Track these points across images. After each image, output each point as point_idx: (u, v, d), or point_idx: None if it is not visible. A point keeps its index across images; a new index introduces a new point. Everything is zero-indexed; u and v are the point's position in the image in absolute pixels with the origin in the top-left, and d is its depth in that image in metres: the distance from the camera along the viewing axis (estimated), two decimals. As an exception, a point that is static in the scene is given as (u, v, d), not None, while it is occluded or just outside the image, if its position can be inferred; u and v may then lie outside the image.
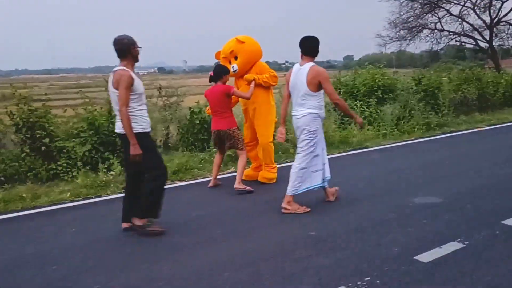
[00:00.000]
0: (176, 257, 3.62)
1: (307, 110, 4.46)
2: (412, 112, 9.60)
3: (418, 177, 5.79)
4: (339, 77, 10.36)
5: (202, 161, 6.88)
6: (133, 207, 4.16)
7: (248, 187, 5.43)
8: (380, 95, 9.70)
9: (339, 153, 7.66)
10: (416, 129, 9.15)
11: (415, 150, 7.74)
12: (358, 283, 2.99)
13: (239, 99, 5.77)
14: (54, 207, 5.21)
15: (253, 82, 5.50)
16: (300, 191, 4.58)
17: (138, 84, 3.97)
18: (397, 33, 21.29)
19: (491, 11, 19.61)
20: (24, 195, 5.48)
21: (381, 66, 10.55)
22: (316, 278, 3.10)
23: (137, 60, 4.07)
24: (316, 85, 4.41)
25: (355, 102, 9.37)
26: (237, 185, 5.40)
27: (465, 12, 20.06)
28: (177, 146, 7.78)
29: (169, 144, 8.08)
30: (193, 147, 7.50)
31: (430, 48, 22.10)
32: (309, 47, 4.53)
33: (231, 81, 5.73)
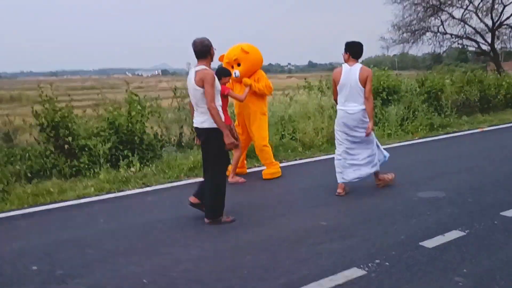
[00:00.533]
0: (201, 242, 3.97)
1: (361, 107, 5.06)
2: (416, 113, 9.93)
3: (422, 173, 6.12)
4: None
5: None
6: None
7: (241, 179, 6.02)
8: (385, 97, 10.03)
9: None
10: (419, 129, 9.47)
11: (418, 149, 8.07)
12: (369, 264, 3.33)
13: (234, 102, 6.15)
14: (80, 201, 5.54)
15: (248, 87, 5.87)
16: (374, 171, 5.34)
17: (217, 83, 4.38)
18: (400, 36, 21.63)
19: (493, 14, 19.93)
20: (51, 189, 5.83)
21: (385, 69, 10.88)
22: (330, 261, 3.44)
23: (212, 60, 4.51)
24: (364, 83, 5.00)
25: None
26: (231, 179, 5.87)
27: (467, 15, 20.39)
28: (191, 145, 8.13)
29: (182, 143, 8.43)
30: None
31: (432, 51, 22.40)
32: (357, 51, 5.17)
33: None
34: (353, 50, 5.15)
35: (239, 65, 5.98)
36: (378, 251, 3.57)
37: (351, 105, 5.07)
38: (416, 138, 9.04)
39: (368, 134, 5.14)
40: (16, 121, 8.07)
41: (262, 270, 3.34)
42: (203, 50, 4.30)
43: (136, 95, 7.39)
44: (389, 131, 9.21)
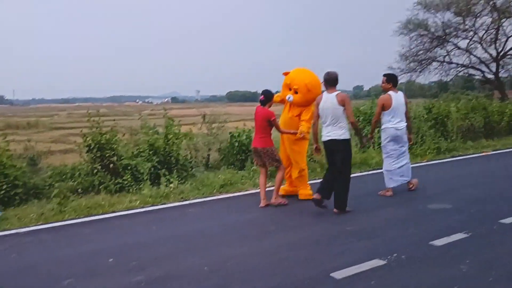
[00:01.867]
0: (246, 243, 4.72)
1: (405, 124, 6.62)
2: (424, 137, 10.69)
3: (431, 190, 6.85)
4: (358, 106, 11.53)
5: (243, 178, 7.98)
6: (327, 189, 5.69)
7: (283, 200, 6.26)
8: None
9: (360, 172, 8.73)
10: (428, 152, 10.21)
11: (427, 170, 8.79)
12: (389, 257, 4.05)
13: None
14: (129, 212, 6.32)
15: (294, 132, 6.25)
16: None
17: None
18: (408, 65, 22.57)
19: (497, 45, 20.86)
20: (102, 202, 6.61)
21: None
22: (356, 255, 4.17)
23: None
24: (406, 105, 6.72)
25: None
26: (275, 200, 6.19)
27: (472, 46, 21.35)
28: (218, 166, 8.93)
29: (209, 165, 9.23)
30: (232, 166, 8.64)
31: (439, 79, 23.28)
32: (396, 80, 6.80)
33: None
34: (396, 80, 6.76)
35: (296, 93, 6.27)
36: (396, 248, 4.29)
37: (401, 123, 6.54)
38: (425, 161, 9.77)
39: (411, 143, 6.90)
40: (37, 146, 8.88)
41: (303, 262, 4.07)
42: (335, 80, 5.71)
43: (172, 120, 8.24)
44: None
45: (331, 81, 5.71)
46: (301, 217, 5.71)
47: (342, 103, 5.54)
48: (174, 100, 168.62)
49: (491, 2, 19.71)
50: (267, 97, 6.24)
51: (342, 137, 5.56)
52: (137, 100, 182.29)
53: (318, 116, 5.83)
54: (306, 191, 6.58)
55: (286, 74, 6.56)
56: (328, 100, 5.63)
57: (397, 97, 6.52)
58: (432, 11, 20.59)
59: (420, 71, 22.81)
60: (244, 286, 3.57)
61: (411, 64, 22.52)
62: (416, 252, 4.18)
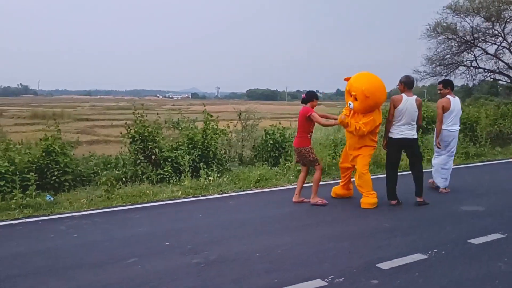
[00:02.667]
0: (290, 233, 5.01)
1: (459, 127, 7.22)
2: (453, 142, 10.80)
3: (462, 193, 7.04)
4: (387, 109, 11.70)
5: (277, 174, 8.27)
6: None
7: (322, 200, 6.29)
8: (424, 126, 10.97)
9: (384, 174, 8.92)
10: (456, 157, 10.32)
11: (457, 174, 8.92)
12: (429, 252, 4.29)
13: (344, 131, 6.60)
14: (172, 201, 6.67)
15: (336, 121, 6.29)
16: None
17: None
18: (434, 69, 22.50)
19: (526, 51, 20.67)
20: (147, 191, 6.98)
21: (424, 100, 11.84)
22: (398, 248, 4.42)
23: None
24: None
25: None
26: (312, 200, 6.29)
27: (500, 51, 21.18)
28: (251, 162, 9.24)
29: (242, 160, 9.54)
30: (266, 162, 8.93)
31: (465, 83, 23.15)
32: (452, 85, 7.23)
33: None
34: (452, 85, 7.24)
35: (356, 99, 6.00)
36: (435, 244, 4.53)
37: (456, 126, 7.10)
38: (453, 165, 9.90)
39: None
40: (65, 137, 9.17)
41: (347, 253, 4.35)
42: (412, 82, 6.37)
43: (211, 115, 8.57)
44: (428, 157, 10.10)
45: (410, 84, 6.29)
46: (337, 213, 5.97)
47: (419, 106, 6.14)
48: (194, 96, 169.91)
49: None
50: (308, 96, 6.41)
51: (415, 137, 6.27)
52: (158, 95, 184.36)
53: (393, 116, 6.18)
54: (369, 200, 6.13)
55: (347, 79, 6.26)
56: (408, 102, 6.11)
57: (455, 101, 7.08)
58: (462, 15, 20.50)
59: (446, 75, 22.71)
60: (294, 271, 3.85)
61: (438, 68, 22.44)
62: (455, 249, 4.40)
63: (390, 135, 6.25)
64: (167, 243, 4.65)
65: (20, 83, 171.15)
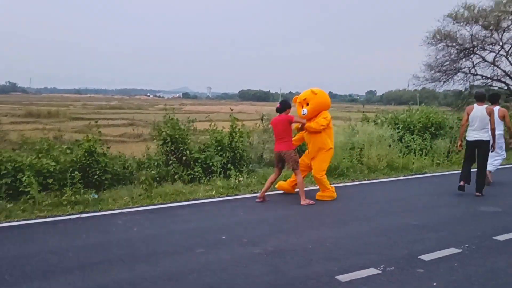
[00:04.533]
0: (329, 229, 5.52)
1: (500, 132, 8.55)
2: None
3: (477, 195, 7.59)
4: (397, 114, 12.29)
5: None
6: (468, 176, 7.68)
7: (311, 201, 6.81)
8: (433, 131, 11.55)
9: (404, 176, 9.48)
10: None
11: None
12: (462, 246, 4.82)
13: (305, 136, 7.38)
14: (208, 200, 7.12)
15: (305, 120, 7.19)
16: None
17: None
18: (433, 75, 23.19)
19: (523, 58, 21.39)
20: (183, 190, 7.43)
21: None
22: (431, 243, 4.94)
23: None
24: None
25: (412, 136, 11.20)
26: (302, 201, 6.77)
27: (498, 59, 21.89)
28: (271, 163, 9.70)
29: (263, 161, 10.01)
30: (287, 164, 9.41)
31: (463, 89, 23.83)
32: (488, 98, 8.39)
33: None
34: (489, 98, 8.50)
35: (307, 104, 7.14)
36: (464, 240, 5.05)
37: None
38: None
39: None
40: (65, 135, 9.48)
41: (388, 246, 4.86)
42: (483, 96, 7.67)
43: (237, 119, 9.05)
44: (437, 161, 10.68)
45: (480, 97, 7.66)
46: (366, 211, 6.49)
47: (489, 114, 7.41)
48: (185, 95, 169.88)
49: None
50: (283, 105, 7.02)
51: (486, 139, 7.48)
52: (148, 94, 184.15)
53: (466, 121, 7.69)
54: (324, 194, 7.14)
55: (295, 99, 7.47)
56: (478, 110, 7.50)
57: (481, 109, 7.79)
58: (462, 23, 21.18)
59: (444, 82, 23.40)
60: (349, 261, 4.34)
61: (436, 74, 23.12)
62: (483, 244, 4.93)
63: (467, 138, 7.69)
64: (223, 237, 5.12)
65: (9, 81, 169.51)
